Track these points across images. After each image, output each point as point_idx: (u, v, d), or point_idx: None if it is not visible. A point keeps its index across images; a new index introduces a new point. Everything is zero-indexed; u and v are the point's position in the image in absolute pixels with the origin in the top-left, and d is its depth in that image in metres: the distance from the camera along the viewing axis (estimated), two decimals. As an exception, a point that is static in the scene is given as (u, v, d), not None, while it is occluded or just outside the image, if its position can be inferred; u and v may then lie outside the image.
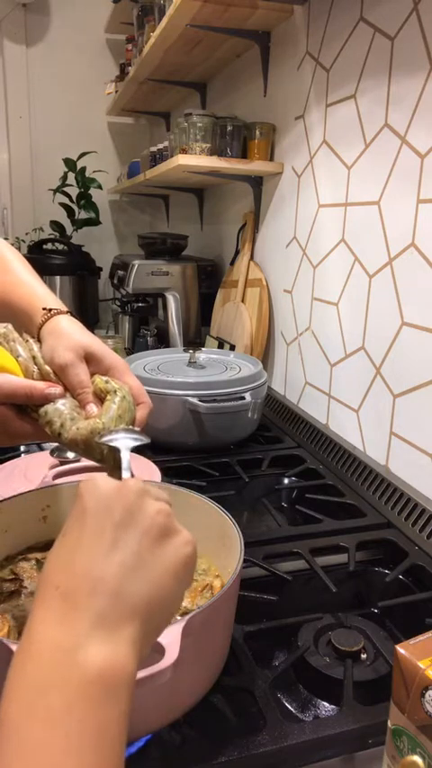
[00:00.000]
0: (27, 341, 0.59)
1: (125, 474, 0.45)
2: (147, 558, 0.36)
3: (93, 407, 0.56)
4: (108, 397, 0.56)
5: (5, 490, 0.76)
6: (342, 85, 1.12)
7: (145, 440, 0.51)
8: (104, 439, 0.50)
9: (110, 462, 0.52)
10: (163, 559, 0.37)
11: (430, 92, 0.88)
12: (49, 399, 0.55)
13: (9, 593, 0.60)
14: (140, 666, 0.33)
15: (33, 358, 0.57)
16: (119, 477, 0.44)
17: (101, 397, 0.57)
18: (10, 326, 0.59)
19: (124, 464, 0.47)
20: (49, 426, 0.54)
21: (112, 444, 0.49)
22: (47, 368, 0.57)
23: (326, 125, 1.19)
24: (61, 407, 0.55)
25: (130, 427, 0.54)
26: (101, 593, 0.33)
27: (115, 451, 0.49)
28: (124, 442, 0.49)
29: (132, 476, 0.45)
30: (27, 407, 0.56)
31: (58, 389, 0.56)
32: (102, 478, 0.39)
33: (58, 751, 0.29)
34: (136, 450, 0.52)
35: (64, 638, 0.32)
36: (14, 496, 0.67)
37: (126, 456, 0.48)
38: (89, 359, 0.58)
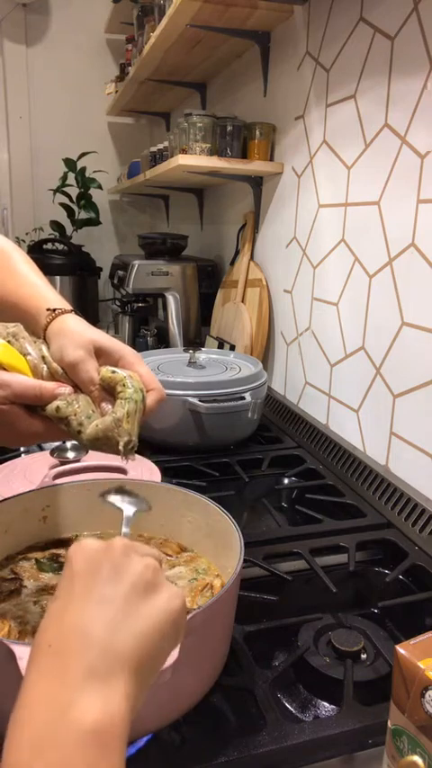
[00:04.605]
0: (35, 341, 0.59)
1: (124, 530, 0.53)
2: (134, 613, 0.37)
3: (108, 406, 0.56)
4: (118, 389, 0.55)
5: (5, 490, 0.76)
6: (342, 85, 1.12)
7: (146, 507, 0.58)
8: (110, 499, 0.57)
9: (128, 453, 0.55)
10: (150, 613, 0.37)
11: (430, 92, 0.88)
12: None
13: (9, 592, 0.60)
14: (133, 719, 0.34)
15: (43, 357, 0.57)
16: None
17: (109, 388, 0.56)
18: (20, 326, 0.59)
19: (124, 525, 0.54)
20: (66, 425, 0.54)
21: (117, 505, 0.57)
22: (56, 366, 0.56)
23: (326, 125, 1.19)
24: (76, 406, 0.55)
25: (135, 492, 0.59)
26: (91, 647, 0.34)
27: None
28: (127, 507, 0.57)
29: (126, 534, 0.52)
30: (36, 407, 0.55)
31: (67, 389, 0.55)
32: (89, 540, 0.41)
33: None
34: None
35: (57, 694, 0.32)
36: (14, 496, 0.67)
37: (128, 515, 0.55)
38: (99, 353, 0.58)
